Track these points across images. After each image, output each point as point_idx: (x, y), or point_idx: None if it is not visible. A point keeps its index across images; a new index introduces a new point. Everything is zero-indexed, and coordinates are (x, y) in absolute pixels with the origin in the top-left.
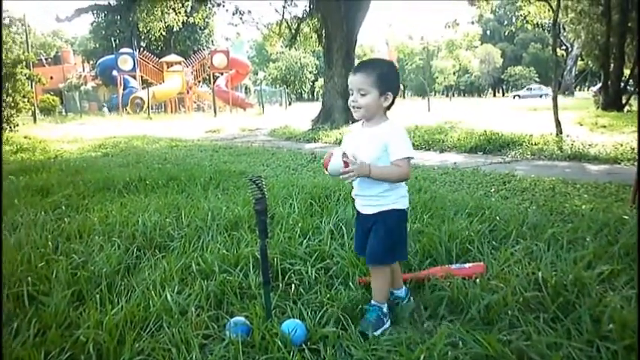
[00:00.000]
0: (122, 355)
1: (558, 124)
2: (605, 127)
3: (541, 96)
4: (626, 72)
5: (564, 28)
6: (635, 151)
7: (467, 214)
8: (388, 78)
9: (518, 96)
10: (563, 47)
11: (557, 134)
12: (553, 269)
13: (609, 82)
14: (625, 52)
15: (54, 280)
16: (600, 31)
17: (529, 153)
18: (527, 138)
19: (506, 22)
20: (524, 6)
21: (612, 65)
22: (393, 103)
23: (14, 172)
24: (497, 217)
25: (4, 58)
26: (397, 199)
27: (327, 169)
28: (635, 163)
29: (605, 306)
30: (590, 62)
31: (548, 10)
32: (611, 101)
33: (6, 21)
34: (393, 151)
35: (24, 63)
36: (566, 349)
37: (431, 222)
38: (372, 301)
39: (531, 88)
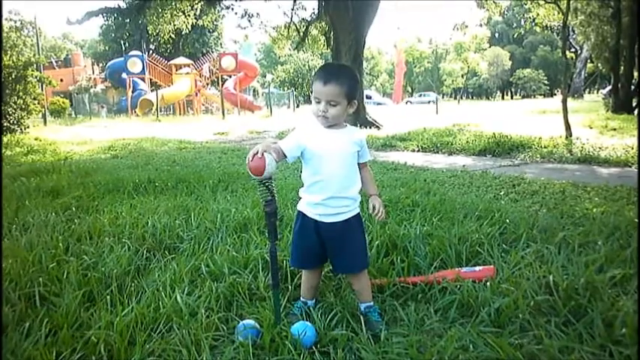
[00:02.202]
0: (133, 355)
1: (568, 126)
2: (615, 129)
3: (429, 102)
4: (637, 74)
5: (574, 31)
6: None
7: (476, 216)
8: (355, 87)
9: (410, 102)
10: (573, 50)
11: (566, 137)
12: (564, 273)
13: (619, 85)
14: (635, 54)
15: (65, 281)
16: (610, 33)
17: (538, 156)
18: (537, 141)
19: (515, 25)
20: (534, 8)
21: (622, 68)
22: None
23: (25, 173)
24: (507, 220)
25: (15, 60)
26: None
27: (256, 173)
28: None
29: (618, 310)
30: (599, 65)
31: (558, 13)
32: (622, 104)
33: (17, 24)
34: (364, 154)
35: (34, 65)
36: (578, 354)
37: (440, 224)
38: (368, 304)
39: (422, 94)
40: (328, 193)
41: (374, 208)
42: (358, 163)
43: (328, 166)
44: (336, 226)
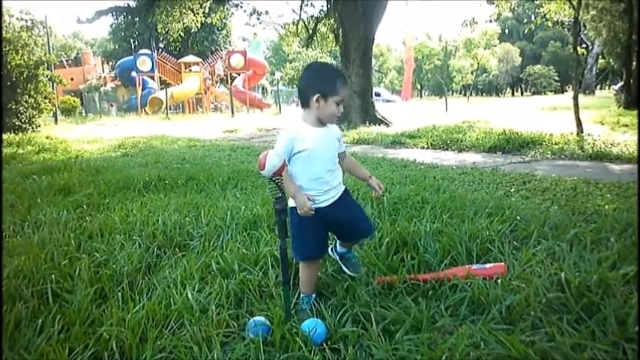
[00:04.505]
0: (144, 352)
1: (579, 123)
2: (627, 125)
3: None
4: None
5: (585, 26)
6: None
7: (487, 213)
8: None
9: None
10: (584, 45)
11: (577, 133)
12: (576, 270)
13: (631, 81)
14: None
15: (77, 278)
16: (622, 28)
17: (549, 152)
18: (548, 137)
19: (525, 21)
20: (544, 4)
21: (634, 63)
22: None
23: (37, 171)
24: (518, 217)
25: (26, 59)
26: None
27: (260, 168)
28: None
29: (631, 307)
30: (611, 60)
31: (569, 8)
32: (633, 100)
33: (28, 23)
34: (342, 145)
35: (45, 64)
36: (590, 351)
37: (450, 222)
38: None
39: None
40: (328, 186)
41: (379, 187)
42: (340, 154)
43: (325, 164)
44: (335, 205)
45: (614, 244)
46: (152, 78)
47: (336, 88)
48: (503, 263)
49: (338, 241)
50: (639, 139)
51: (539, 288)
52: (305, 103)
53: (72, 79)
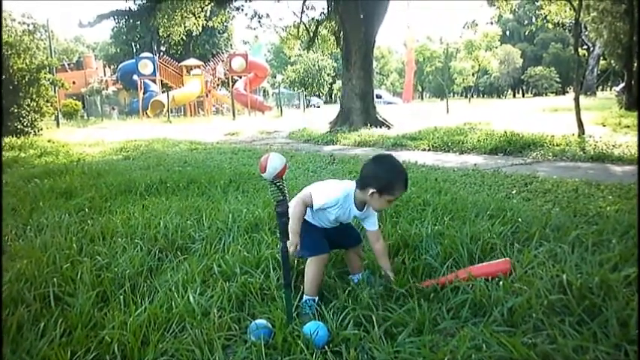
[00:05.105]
0: (146, 355)
1: (580, 124)
2: (628, 127)
3: (312, 106)
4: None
5: (586, 28)
6: None
7: (488, 215)
8: None
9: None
10: (585, 47)
11: (579, 135)
12: (578, 272)
13: (632, 82)
14: None
15: (79, 282)
16: (623, 29)
17: (551, 154)
18: (549, 139)
19: (526, 22)
20: (545, 5)
21: (636, 64)
22: None
23: (39, 175)
24: (520, 219)
25: (28, 63)
26: None
27: (261, 170)
28: None
29: (633, 309)
30: (612, 62)
31: (570, 9)
32: (635, 101)
33: (30, 27)
34: (376, 223)
35: (47, 68)
36: (592, 353)
37: (452, 224)
38: (360, 273)
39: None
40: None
41: (390, 279)
42: (371, 232)
43: (337, 223)
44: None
45: (615, 245)
46: (153, 81)
47: (394, 189)
48: (507, 259)
49: (351, 274)
50: (639, 139)
51: (541, 290)
52: (361, 187)
53: (74, 82)
